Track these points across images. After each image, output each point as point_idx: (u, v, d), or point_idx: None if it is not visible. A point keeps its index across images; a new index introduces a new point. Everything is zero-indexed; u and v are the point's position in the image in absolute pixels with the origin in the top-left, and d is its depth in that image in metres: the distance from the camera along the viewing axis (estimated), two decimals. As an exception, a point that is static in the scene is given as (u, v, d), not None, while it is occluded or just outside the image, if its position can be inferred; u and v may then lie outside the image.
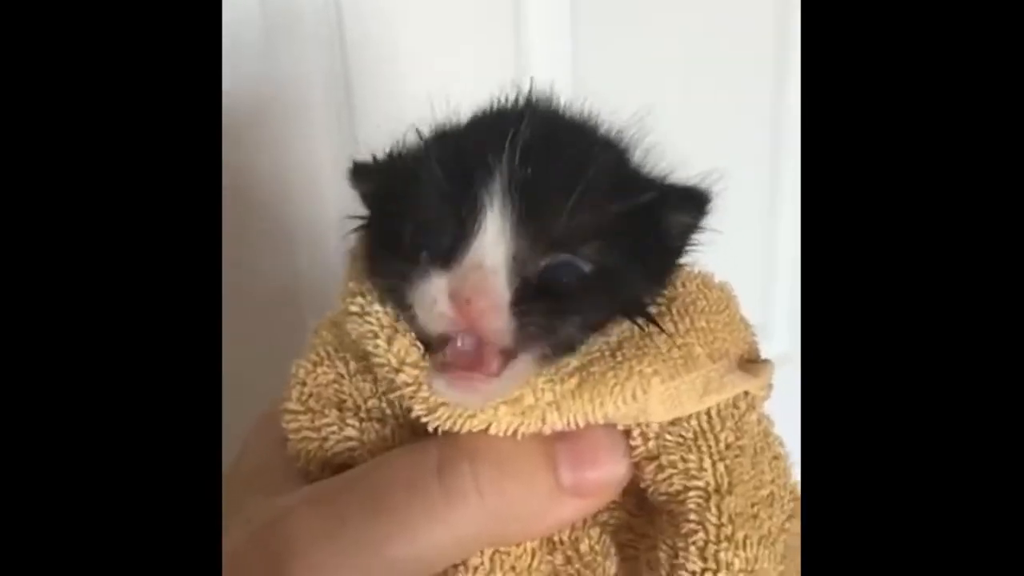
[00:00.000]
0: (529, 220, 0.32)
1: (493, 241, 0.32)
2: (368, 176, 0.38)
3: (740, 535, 0.33)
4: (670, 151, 0.37)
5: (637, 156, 0.37)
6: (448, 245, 0.32)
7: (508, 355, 0.32)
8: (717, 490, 0.33)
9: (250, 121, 0.56)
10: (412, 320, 0.33)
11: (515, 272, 0.32)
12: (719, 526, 0.33)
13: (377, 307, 0.34)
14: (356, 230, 0.38)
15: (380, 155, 0.38)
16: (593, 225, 0.33)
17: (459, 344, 0.32)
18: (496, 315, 0.31)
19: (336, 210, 0.39)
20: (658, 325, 0.34)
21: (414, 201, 0.34)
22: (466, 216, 0.32)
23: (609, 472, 0.34)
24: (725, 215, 0.36)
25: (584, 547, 0.36)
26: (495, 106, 0.37)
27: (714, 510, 0.33)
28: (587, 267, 0.33)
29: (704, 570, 0.32)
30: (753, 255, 0.81)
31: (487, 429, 0.33)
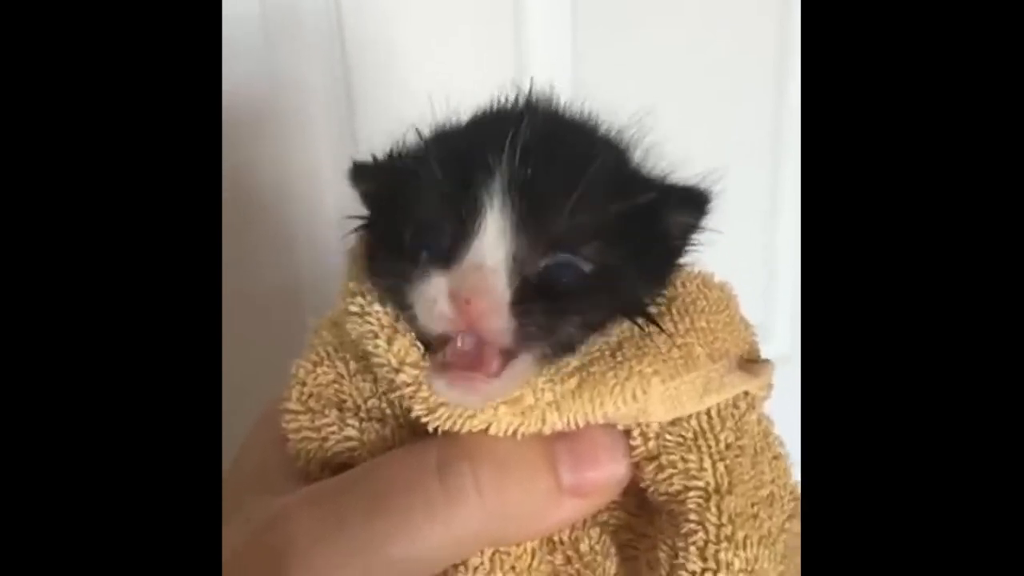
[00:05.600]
0: (529, 220, 0.32)
1: (493, 241, 0.32)
2: (368, 176, 0.38)
3: (740, 535, 0.33)
4: (670, 151, 0.37)
5: (637, 156, 0.37)
6: (448, 245, 0.32)
7: (508, 355, 0.32)
8: (717, 490, 0.33)
9: (250, 121, 0.56)
10: (412, 320, 0.33)
11: (515, 272, 0.32)
12: (719, 526, 0.33)
13: (377, 307, 0.34)
14: (356, 230, 0.38)
15: (380, 155, 0.38)
16: (593, 225, 0.33)
17: (459, 344, 0.32)
18: (496, 315, 0.31)
19: (336, 210, 0.39)
20: (658, 325, 0.34)
21: (414, 201, 0.34)
22: (466, 216, 0.32)
23: (609, 472, 0.34)
24: (725, 215, 0.36)
25: (584, 547, 0.36)
26: (495, 106, 0.37)
27: (714, 510, 0.33)
28: (587, 267, 0.33)
29: (704, 570, 0.32)
30: (753, 255, 0.81)
31: (487, 429, 0.33)
